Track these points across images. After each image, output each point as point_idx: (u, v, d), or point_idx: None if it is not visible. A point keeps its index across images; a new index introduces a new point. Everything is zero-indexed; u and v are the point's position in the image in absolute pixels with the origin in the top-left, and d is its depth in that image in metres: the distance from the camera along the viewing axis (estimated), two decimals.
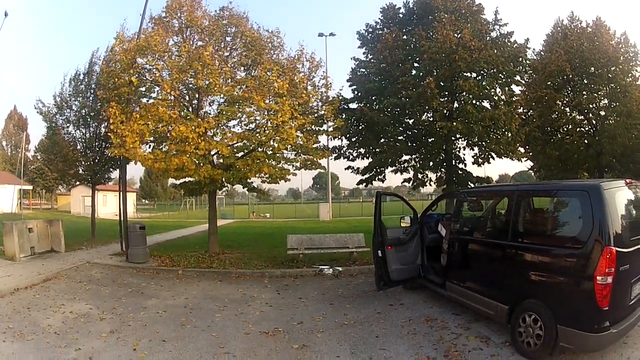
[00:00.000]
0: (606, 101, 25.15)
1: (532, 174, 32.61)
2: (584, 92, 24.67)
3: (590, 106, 24.61)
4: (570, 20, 27.70)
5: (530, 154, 27.16)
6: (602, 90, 24.83)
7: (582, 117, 25.79)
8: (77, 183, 28.08)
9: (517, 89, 20.81)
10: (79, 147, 20.79)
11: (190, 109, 15.36)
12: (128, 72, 14.48)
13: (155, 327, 8.29)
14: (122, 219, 17.11)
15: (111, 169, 21.75)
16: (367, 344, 7.67)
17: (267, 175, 15.41)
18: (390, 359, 6.99)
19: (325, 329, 8.47)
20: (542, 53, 26.66)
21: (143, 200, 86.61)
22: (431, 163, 19.14)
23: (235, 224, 40.20)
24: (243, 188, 17.50)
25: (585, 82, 24.78)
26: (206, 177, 14.37)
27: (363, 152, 19.49)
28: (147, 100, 15.28)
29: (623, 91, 23.54)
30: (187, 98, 15.74)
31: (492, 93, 17.52)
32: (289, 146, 15.05)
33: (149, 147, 15.56)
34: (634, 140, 23.06)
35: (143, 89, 15.35)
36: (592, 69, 24.11)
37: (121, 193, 17.45)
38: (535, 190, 9.44)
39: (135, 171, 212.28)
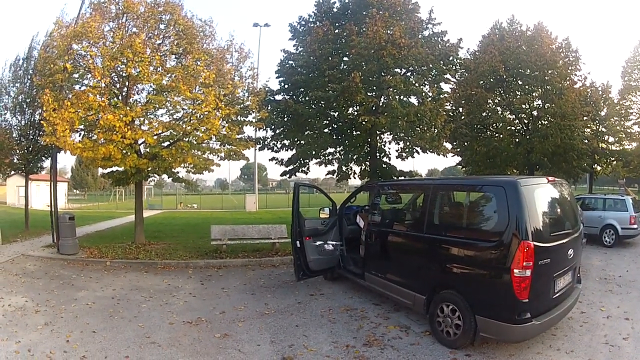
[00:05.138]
0: (540, 102, 25.88)
1: (461, 169, 33.31)
2: (518, 93, 25.35)
3: (523, 106, 25.20)
4: (510, 24, 28.60)
5: (458, 149, 27.89)
6: (536, 91, 25.56)
7: (513, 116, 26.52)
8: (12, 173, 26.71)
9: (447, 87, 21.06)
10: (14, 135, 19.95)
11: (120, 97, 14.95)
12: (63, 58, 14.06)
13: (85, 319, 8.30)
14: (53, 209, 16.63)
15: (44, 158, 21.01)
16: (287, 332, 7.79)
17: (191, 166, 15.30)
18: (310, 347, 7.08)
19: (247, 319, 8.58)
20: (476, 53, 27.24)
21: (75, 191, 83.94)
22: (355, 156, 19.22)
23: (162, 214, 39.90)
24: (168, 178, 17.26)
25: (520, 83, 25.47)
26: (132, 166, 14.19)
27: (287, 144, 19.45)
28: (80, 87, 14.85)
29: (558, 94, 24.16)
30: (117, 86, 15.26)
31: (420, 90, 17.66)
32: (213, 136, 14.99)
33: (80, 136, 15.08)
34: (567, 141, 23.87)
35: (76, 75, 14.85)
36: (528, 71, 24.71)
37: (52, 183, 16.95)
38: (451, 185, 9.66)
39: (67, 160, 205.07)
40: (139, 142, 14.78)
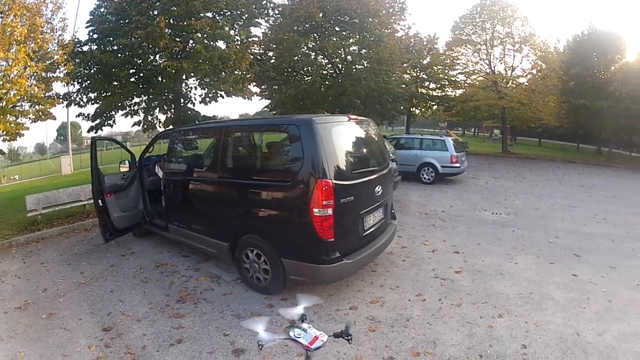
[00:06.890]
0: (355, 48, 27.12)
1: (269, 111, 33.25)
2: (334, 38, 26.31)
3: (338, 51, 26.38)
4: None
5: (266, 93, 28.78)
6: (353, 38, 26.65)
7: (326, 60, 27.77)
8: None
9: (259, 31, 21.32)
10: None
11: None
12: None
13: None
14: None
15: None
16: (104, 300, 7.68)
17: (4, 133, 14.05)
18: (126, 313, 7.04)
19: (66, 292, 8.29)
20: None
21: None
22: (160, 104, 19.09)
23: None
24: None
25: (337, 29, 26.39)
26: None
27: (93, 97, 18.68)
28: None
29: (377, 41, 25.52)
30: None
31: (228, 34, 17.86)
32: (25, 98, 14.05)
33: None
34: (382, 84, 25.42)
35: None
36: (347, 18, 25.55)
37: None
38: (245, 126, 9.26)
39: None
40: None
